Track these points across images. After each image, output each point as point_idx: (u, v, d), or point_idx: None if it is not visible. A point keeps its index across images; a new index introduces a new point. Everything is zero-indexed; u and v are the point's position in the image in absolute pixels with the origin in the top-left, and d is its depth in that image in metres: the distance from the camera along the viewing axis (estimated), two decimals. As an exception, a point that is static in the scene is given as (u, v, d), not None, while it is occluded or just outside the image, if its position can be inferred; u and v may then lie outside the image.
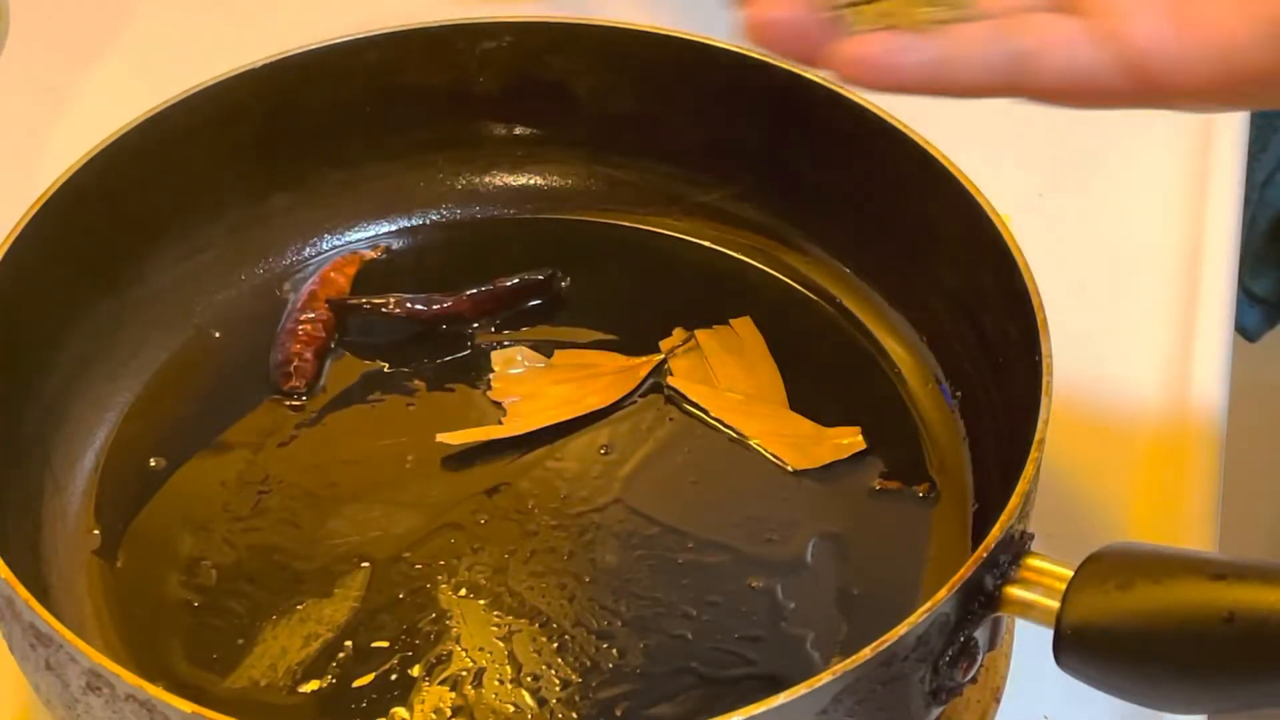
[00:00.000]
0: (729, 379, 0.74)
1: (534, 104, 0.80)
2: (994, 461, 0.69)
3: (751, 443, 0.71)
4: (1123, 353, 0.81)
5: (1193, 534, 0.74)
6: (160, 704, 0.53)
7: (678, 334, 0.75)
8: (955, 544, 0.67)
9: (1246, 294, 1.12)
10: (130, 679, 0.53)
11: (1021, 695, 0.67)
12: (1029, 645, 0.62)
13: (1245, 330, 1.14)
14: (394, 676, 0.63)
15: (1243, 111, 0.91)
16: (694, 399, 0.73)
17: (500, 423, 0.72)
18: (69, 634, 0.55)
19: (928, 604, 0.55)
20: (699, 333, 0.75)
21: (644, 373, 0.74)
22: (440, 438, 0.71)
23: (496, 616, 0.65)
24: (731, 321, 0.76)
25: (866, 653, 0.54)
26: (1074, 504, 0.74)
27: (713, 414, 0.72)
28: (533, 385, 0.73)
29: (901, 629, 0.55)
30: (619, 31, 0.78)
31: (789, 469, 0.70)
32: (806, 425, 0.72)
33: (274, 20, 0.96)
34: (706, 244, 0.79)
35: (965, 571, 0.56)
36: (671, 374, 0.74)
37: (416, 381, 0.74)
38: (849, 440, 0.71)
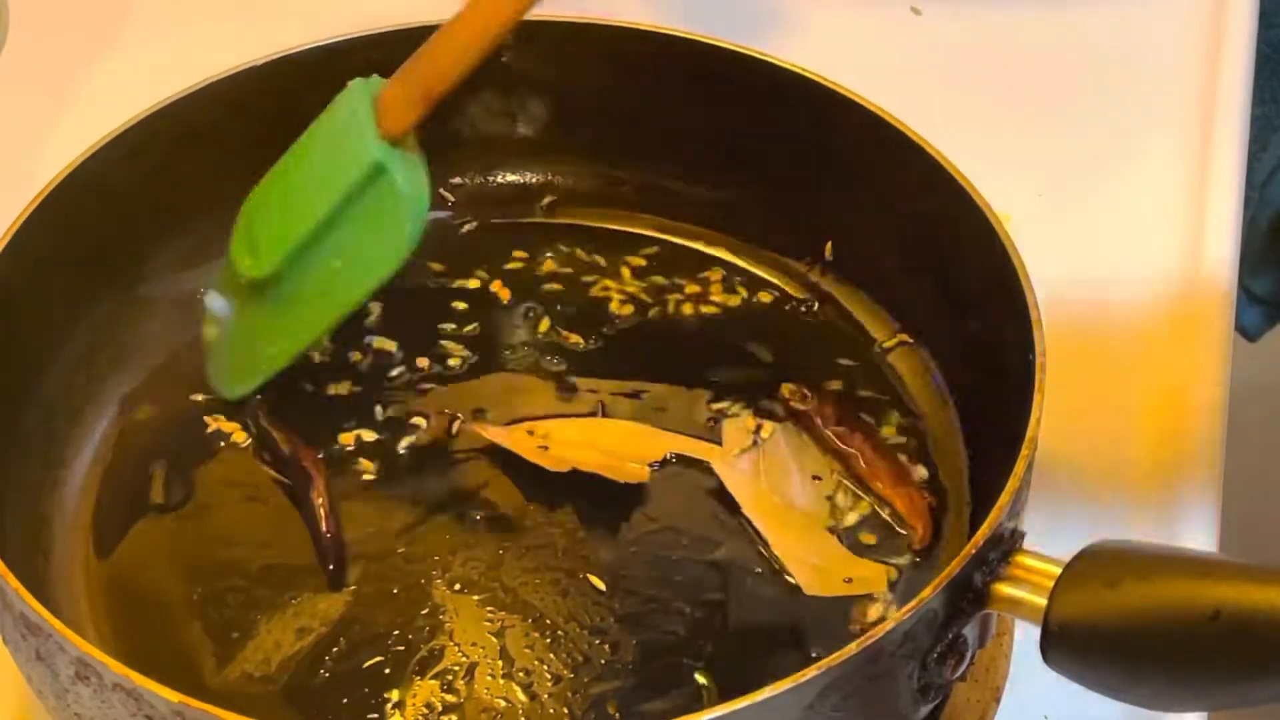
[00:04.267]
0: (774, 479, 0.70)
1: (534, 104, 0.80)
2: (991, 460, 0.69)
3: (773, 553, 0.67)
4: (1123, 353, 0.81)
5: (1193, 534, 0.74)
6: (146, 693, 0.53)
7: (746, 418, 0.72)
8: (954, 542, 0.67)
9: (1246, 293, 1.12)
10: (117, 668, 0.53)
11: (1021, 695, 0.67)
12: (1029, 645, 0.62)
13: (1245, 330, 1.14)
14: (387, 671, 0.63)
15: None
16: (731, 490, 0.69)
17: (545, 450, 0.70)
18: (57, 623, 0.55)
19: (915, 600, 0.55)
20: (766, 426, 0.72)
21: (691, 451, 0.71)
22: (475, 427, 0.71)
23: (489, 612, 0.65)
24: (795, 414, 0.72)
25: (852, 648, 0.54)
26: (1074, 505, 0.74)
27: (745, 510, 0.68)
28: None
29: (888, 624, 0.55)
30: (619, 31, 0.78)
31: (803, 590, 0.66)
32: (835, 550, 0.67)
33: (274, 19, 0.96)
34: (703, 244, 0.79)
35: (953, 568, 0.56)
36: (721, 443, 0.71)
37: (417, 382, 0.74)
38: (870, 578, 0.66)
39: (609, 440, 0.71)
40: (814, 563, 0.67)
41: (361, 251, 0.70)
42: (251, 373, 0.72)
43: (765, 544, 0.67)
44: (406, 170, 0.68)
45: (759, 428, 0.71)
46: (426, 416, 0.72)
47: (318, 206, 0.69)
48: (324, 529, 0.67)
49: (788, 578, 0.66)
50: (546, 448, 0.70)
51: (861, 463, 0.70)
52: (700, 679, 0.63)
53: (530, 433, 0.71)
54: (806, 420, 0.71)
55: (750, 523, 0.68)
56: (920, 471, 0.70)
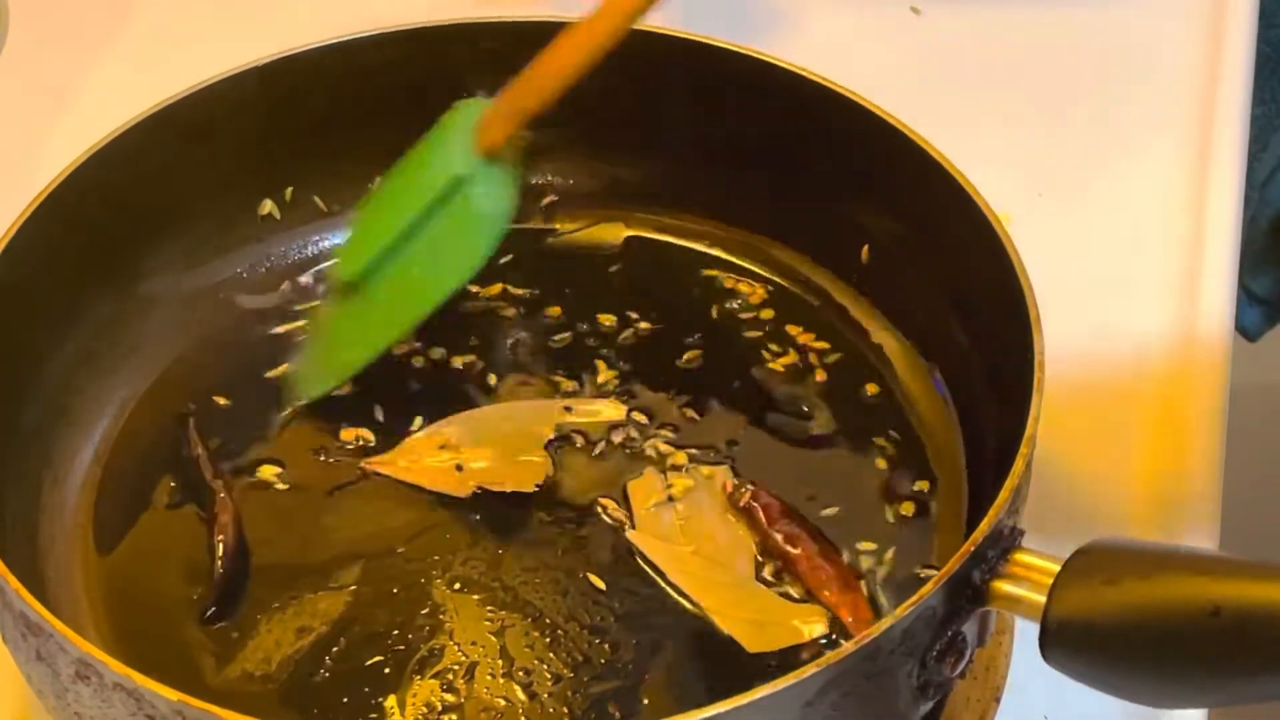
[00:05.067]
0: (695, 535, 0.68)
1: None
2: (991, 459, 0.69)
3: (707, 617, 0.65)
4: (1122, 352, 0.81)
5: (1194, 534, 0.74)
6: (147, 693, 0.53)
7: (650, 478, 0.70)
8: (953, 539, 0.67)
9: (1246, 294, 1.12)
10: (117, 667, 0.53)
11: (1021, 695, 0.67)
12: (1029, 645, 0.62)
13: (1245, 330, 1.14)
14: (386, 670, 0.63)
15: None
16: (651, 558, 0.67)
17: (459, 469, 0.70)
18: (58, 623, 0.55)
19: (913, 598, 0.55)
20: (674, 478, 0.70)
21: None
22: (366, 463, 0.71)
23: (489, 611, 0.65)
24: (712, 470, 0.70)
25: (850, 646, 0.54)
26: (1074, 504, 0.75)
27: (670, 577, 0.66)
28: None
29: (886, 622, 0.55)
30: (619, 30, 0.78)
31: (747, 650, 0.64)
32: (769, 601, 0.65)
33: (274, 19, 0.96)
34: (704, 244, 0.80)
35: (952, 566, 0.56)
36: (634, 526, 0.68)
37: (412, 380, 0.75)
38: (810, 623, 0.65)
39: (510, 431, 0.71)
40: (751, 619, 0.65)
41: (439, 259, 0.71)
42: (328, 375, 0.73)
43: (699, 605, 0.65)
44: (489, 184, 0.71)
45: (670, 485, 0.70)
46: (426, 417, 0.72)
47: (405, 214, 0.71)
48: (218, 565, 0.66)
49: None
50: (461, 466, 0.70)
51: (806, 566, 0.66)
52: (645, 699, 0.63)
53: (442, 447, 0.71)
54: (749, 517, 0.68)
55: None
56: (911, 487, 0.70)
